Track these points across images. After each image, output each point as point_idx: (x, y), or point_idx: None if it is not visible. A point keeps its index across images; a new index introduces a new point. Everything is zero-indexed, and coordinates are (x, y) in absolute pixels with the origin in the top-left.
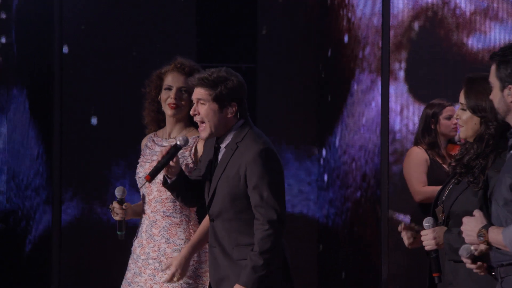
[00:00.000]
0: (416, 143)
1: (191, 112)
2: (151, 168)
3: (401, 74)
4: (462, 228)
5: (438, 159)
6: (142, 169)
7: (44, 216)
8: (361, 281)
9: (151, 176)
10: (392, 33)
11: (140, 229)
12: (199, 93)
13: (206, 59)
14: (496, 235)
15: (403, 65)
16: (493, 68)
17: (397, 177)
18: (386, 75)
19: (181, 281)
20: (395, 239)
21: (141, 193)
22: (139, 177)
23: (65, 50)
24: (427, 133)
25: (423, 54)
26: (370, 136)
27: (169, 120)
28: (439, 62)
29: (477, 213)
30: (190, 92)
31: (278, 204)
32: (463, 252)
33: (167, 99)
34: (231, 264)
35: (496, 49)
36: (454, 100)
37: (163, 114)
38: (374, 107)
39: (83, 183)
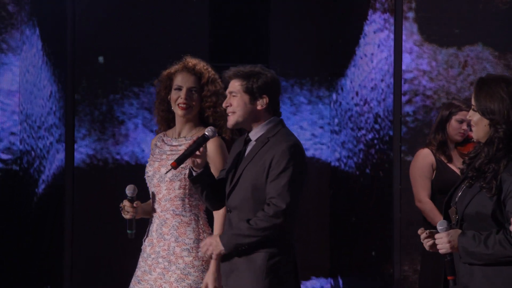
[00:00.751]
0: (428, 143)
1: (224, 105)
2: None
3: (411, 15)
4: None
5: (444, 159)
6: (152, 168)
7: (57, 156)
8: (372, 224)
9: (178, 163)
10: None
11: (150, 228)
12: (232, 86)
13: (219, 59)
14: None
15: (413, 4)
16: None
17: (410, 118)
18: (399, 15)
19: (190, 281)
20: (406, 179)
21: (151, 192)
22: (148, 176)
23: None
24: (440, 132)
25: None
26: (382, 77)
27: (178, 120)
28: (450, 2)
29: None
30: (200, 92)
31: (290, 200)
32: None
33: (177, 99)
34: (243, 256)
35: None
36: (462, 37)
37: (173, 113)
38: (386, 48)
39: (96, 122)
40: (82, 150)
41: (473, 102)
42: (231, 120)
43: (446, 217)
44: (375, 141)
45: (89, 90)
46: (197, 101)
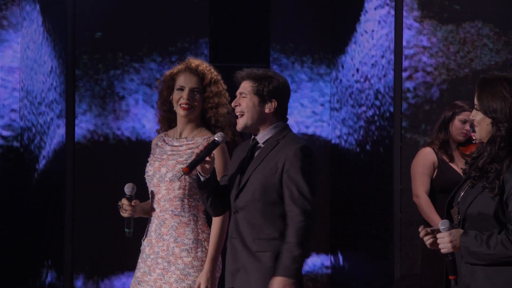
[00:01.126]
0: (430, 142)
1: (233, 104)
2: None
3: None
4: None
5: (446, 159)
6: (152, 168)
7: (57, 131)
8: (372, 200)
9: (190, 169)
10: None
11: (149, 228)
12: (243, 86)
13: (219, 59)
14: None
15: None
16: None
17: (410, 94)
18: None
19: (189, 281)
20: (407, 155)
21: (150, 191)
22: (148, 176)
23: None
24: (442, 132)
25: None
26: (383, 53)
27: (180, 120)
28: None
29: None
30: (202, 93)
31: (312, 199)
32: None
33: (179, 99)
34: (250, 256)
35: None
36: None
37: (175, 113)
38: (387, 23)
39: (97, 98)
40: (83, 126)
41: (475, 101)
42: (241, 123)
43: (448, 217)
44: (376, 118)
45: (90, 66)
46: (199, 101)
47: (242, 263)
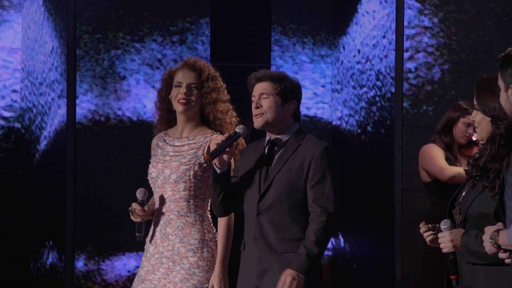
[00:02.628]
0: (433, 140)
1: (253, 106)
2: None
3: None
4: (484, 237)
5: (451, 158)
6: (155, 170)
7: (58, 111)
8: (373, 182)
9: (212, 157)
10: None
11: (154, 228)
12: (263, 87)
13: (220, 58)
14: (505, 237)
15: None
16: (499, 70)
17: (412, 74)
18: None
19: (194, 281)
20: (408, 137)
21: (155, 193)
22: (152, 177)
23: None
24: (447, 135)
25: None
26: (384, 34)
27: (180, 119)
28: None
29: (500, 224)
30: (200, 89)
31: (337, 200)
32: (444, 225)
33: (177, 95)
34: (276, 257)
35: None
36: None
37: (174, 113)
38: (388, 3)
39: (98, 78)
40: (84, 106)
41: (475, 101)
42: (260, 121)
43: (450, 217)
44: (377, 99)
45: (91, 46)
46: (197, 97)
47: (269, 265)
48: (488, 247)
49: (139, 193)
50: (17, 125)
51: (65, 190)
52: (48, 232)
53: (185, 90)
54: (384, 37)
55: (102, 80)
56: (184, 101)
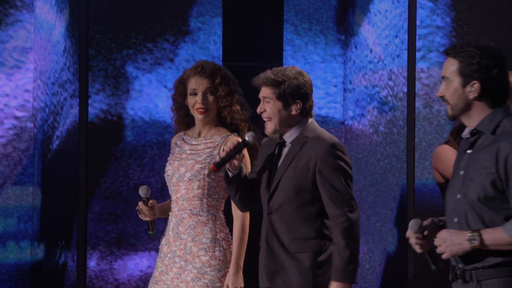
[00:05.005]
0: (447, 141)
1: (258, 110)
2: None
3: None
4: (442, 243)
5: None
6: (171, 167)
7: (71, 111)
8: (385, 185)
9: (217, 167)
10: None
11: (168, 227)
12: (264, 92)
13: (232, 58)
14: (492, 234)
15: None
16: (452, 62)
17: (424, 74)
18: None
19: (206, 280)
20: (420, 136)
21: (170, 191)
22: (168, 175)
23: None
24: (460, 137)
25: None
26: (397, 33)
27: (198, 122)
28: None
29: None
30: (215, 93)
31: (350, 195)
32: (413, 225)
33: (194, 104)
34: (288, 257)
35: None
36: None
37: (192, 116)
38: (401, 3)
39: (110, 77)
40: (96, 105)
41: None
42: (269, 128)
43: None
44: (389, 98)
45: (103, 45)
46: (213, 102)
47: (281, 264)
48: (461, 249)
49: (142, 191)
50: (30, 124)
51: (78, 190)
52: (60, 231)
53: (201, 99)
54: (396, 36)
55: (114, 79)
56: (202, 110)
